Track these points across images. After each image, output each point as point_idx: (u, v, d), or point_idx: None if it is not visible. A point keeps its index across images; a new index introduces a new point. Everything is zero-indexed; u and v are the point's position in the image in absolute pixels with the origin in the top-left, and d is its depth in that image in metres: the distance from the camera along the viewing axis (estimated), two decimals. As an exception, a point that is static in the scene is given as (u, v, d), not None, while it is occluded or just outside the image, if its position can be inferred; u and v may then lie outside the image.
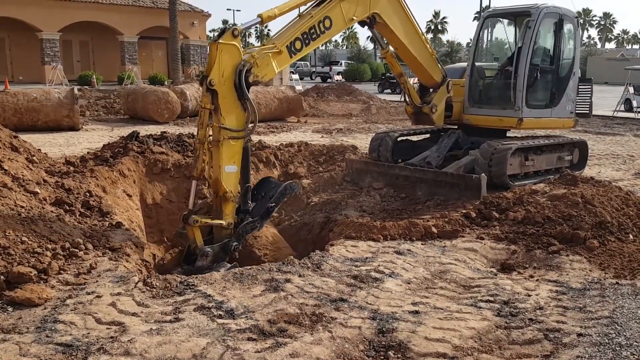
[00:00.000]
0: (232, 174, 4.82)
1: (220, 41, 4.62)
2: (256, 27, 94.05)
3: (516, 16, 8.16)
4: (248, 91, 4.76)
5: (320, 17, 5.51)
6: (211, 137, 4.76)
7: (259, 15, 5.07)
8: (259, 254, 5.61)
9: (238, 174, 4.89)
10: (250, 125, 4.86)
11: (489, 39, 9.11)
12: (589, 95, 8.38)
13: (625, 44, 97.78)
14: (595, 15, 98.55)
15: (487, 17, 8.44)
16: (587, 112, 8.47)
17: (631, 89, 21.15)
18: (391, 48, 7.23)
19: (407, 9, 6.76)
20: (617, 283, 4.05)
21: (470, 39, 8.61)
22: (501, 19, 8.64)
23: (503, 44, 8.90)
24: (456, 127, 8.28)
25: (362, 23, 6.49)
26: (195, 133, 5.45)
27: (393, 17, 6.59)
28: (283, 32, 5.35)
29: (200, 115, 4.74)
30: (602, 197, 5.62)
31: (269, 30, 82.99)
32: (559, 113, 7.97)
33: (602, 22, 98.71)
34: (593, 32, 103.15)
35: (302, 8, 5.56)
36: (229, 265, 4.87)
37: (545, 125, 8.16)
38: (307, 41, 5.41)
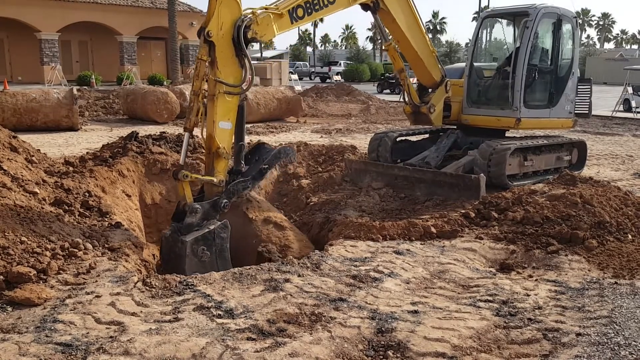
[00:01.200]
0: (225, 131, 4.78)
1: None
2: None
3: (514, 16, 8.18)
4: (247, 47, 4.75)
5: None
6: (207, 91, 4.73)
7: None
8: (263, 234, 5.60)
9: (232, 131, 4.87)
10: (246, 82, 4.86)
11: (488, 39, 9.13)
12: (588, 95, 8.39)
13: (624, 44, 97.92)
14: (594, 16, 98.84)
15: (485, 18, 8.45)
16: (587, 112, 8.47)
17: (630, 89, 21.16)
18: (394, 43, 7.25)
19: (411, 1, 6.79)
20: (615, 283, 4.05)
21: (469, 40, 8.62)
22: (499, 19, 8.65)
23: (502, 44, 8.92)
24: (455, 127, 8.29)
25: (365, 7, 6.52)
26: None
27: (396, 5, 6.62)
28: None
29: (196, 67, 4.72)
30: (601, 197, 5.64)
31: None
32: (558, 113, 7.99)
33: (601, 22, 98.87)
34: (592, 32, 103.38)
35: None
36: (219, 222, 4.82)
37: (543, 125, 8.17)
38: (309, 10, 5.42)
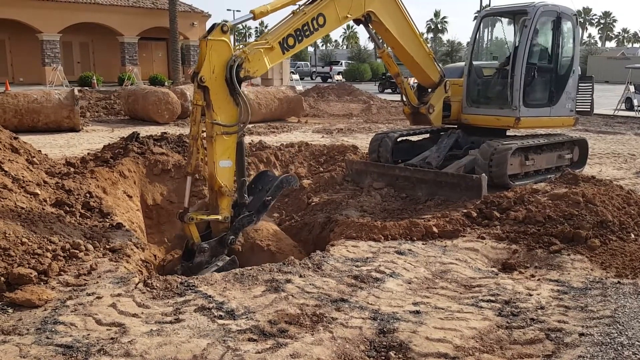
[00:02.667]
0: (226, 169, 4.85)
1: (209, 38, 4.65)
2: (257, 27, 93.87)
3: (513, 15, 8.15)
4: (240, 86, 4.79)
5: (314, 15, 5.51)
6: (204, 134, 4.80)
7: (252, 12, 5.09)
8: (262, 245, 5.62)
9: (232, 168, 4.93)
10: (243, 121, 4.88)
11: (489, 38, 9.11)
12: (590, 93, 8.35)
13: (625, 43, 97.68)
14: (595, 14, 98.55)
15: (484, 17, 8.42)
16: (589, 110, 8.44)
17: (632, 88, 21.10)
18: (388, 48, 7.22)
19: (403, 7, 6.74)
20: (618, 282, 4.03)
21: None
22: (499, 18, 8.62)
23: (502, 43, 8.90)
24: (456, 127, 8.27)
25: (357, 21, 6.48)
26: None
27: (388, 16, 6.57)
28: (276, 29, 5.36)
29: (192, 112, 4.78)
30: (603, 196, 5.61)
31: (269, 30, 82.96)
32: (559, 111, 7.95)
33: (602, 21, 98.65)
34: (593, 31, 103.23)
35: (297, 5, 5.57)
36: (227, 258, 4.91)
37: (544, 124, 8.14)
38: (300, 38, 5.41)
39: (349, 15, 6.02)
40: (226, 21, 4.79)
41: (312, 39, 5.59)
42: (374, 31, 6.86)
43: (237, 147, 4.94)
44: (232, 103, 4.80)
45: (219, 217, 4.90)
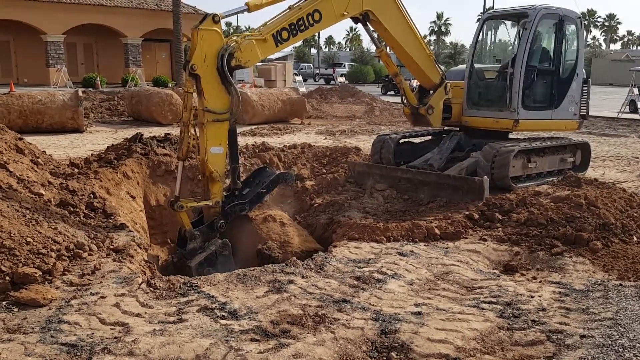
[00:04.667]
0: (217, 155, 4.97)
1: (200, 27, 4.73)
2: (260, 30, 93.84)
3: (515, 17, 8.15)
4: (231, 75, 4.86)
5: (310, 10, 5.55)
6: (196, 120, 4.91)
7: (246, 4, 5.15)
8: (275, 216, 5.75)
9: (224, 155, 5.05)
10: (234, 109, 4.97)
11: (492, 40, 9.11)
12: (586, 96, 8.25)
13: (630, 45, 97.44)
14: (599, 17, 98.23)
15: (486, 19, 8.43)
16: (584, 114, 8.31)
17: (636, 91, 21.04)
18: (387, 48, 7.24)
19: (402, 8, 6.74)
20: (620, 285, 4.04)
21: (475, 41, 8.59)
22: (502, 21, 8.63)
23: (505, 46, 8.90)
24: (458, 129, 8.28)
25: (355, 20, 6.49)
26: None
27: (387, 15, 6.56)
28: (271, 22, 5.41)
29: (183, 99, 4.89)
30: (605, 198, 5.61)
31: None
32: (561, 114, 7.94)
33: (607, 24, 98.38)
34: (597, 34, 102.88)
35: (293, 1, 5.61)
36: (219, 241, 5.07)
37: (545, 127, 8.12)
38: (294, 32, 5.46)
39: (345, 13, 6.04)
40: (218, 13, 4.86)
41: (307, 33, 5.63)
42: (373, 31, 6.86)
43: (229, 134, 5.06)
44: (223, 91, 4.90)
45: (210, 202, 5.02)
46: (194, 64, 4.70)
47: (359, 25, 6.60)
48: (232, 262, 5.14)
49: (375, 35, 7.03)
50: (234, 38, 5.07)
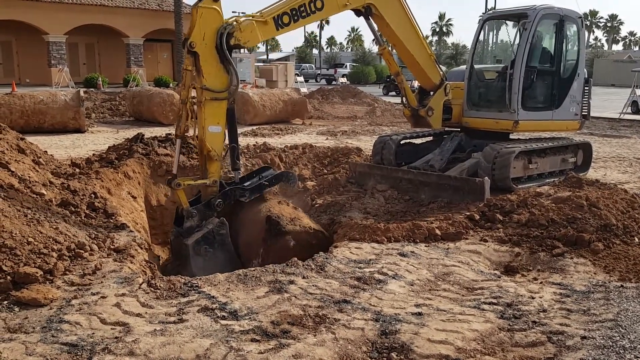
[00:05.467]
0: (215, 134, 5.00)
1: (200, 5, 4.76)
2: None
3: (517, 18, 8.15)
4: (230, 55, 4.87)
5: None
6: (195, 99, 4.96)
7: None
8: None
9: (222, 134, 5.10)
10: (233, 88, 4.99)
11: (494, 41, 9.10)
12: (587, 96, 8.22)
13: (632, 46, 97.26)
14: (601, 17, 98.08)
15: (486, 20, 8.42)
16: (586, 114, 8.29)
17: (638, 91, 21.01)
18: (389, 46, 7.24)
19: (405, 5, 6.75)
20: (621, 286, 4.03)
21: (476, 41, 8.59)
22: (504, 21, 8.62)
23: (506, 47, 8.89)
24: (459, 130, 8.27)
25: (357, 13, 6.50)
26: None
27: (389, 11, 6.58)
28: (273, 5, 5.44)
29: (182, 77, 4.95)
30: (607, 199, 5.60)
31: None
32: (562, 115, 7.92)
33: (609, 24, 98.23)
34: (600, 34, 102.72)
35: None
36: (217, 220, 5.10)
37: (545, 127, 8.11)
38: (295, 17, 5.47)
39: (348, 4, 6.06)
40: None
41: (308, 20, 5.65)
42: (376, 27, 6.87)
43: (228, 113, 5.08)
44: (222, 70, 4.92)
45: (207, 181, 5.06)
46: (193, 41, 4.73)
47: (360, 25, 6.68)
48: (229, 242, 5.18)
49: (378, 33, 7.04)
50: (234, 17, 5.08)
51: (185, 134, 5.10)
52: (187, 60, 4.82)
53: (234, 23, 4.96)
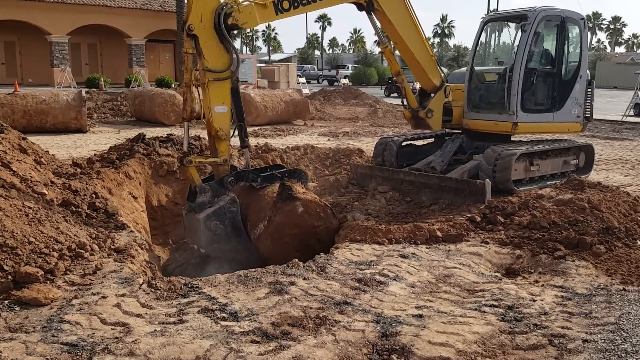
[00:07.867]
0: (221, 114, 5.10)
1: None
2: (264, 30, 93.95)
3: (519, 19, 8.13)
4: (229, 35, 4.92)
5: None
6: (198, 81, 5.04)
7: None
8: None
9: (229, 113, 5.19)
10: (233, 67, 5.06)
11: (495, 43, 9.09)
12: (590, 98, 8.19)
13: (635, 48, 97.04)
14: (604, 19, 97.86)
15: (487, 22, 8.41)
16: (588, 116, 8.26)
17: (641, 94, 20.99)
18: (391, 45, 7.25)
19: (408, 3, 6.75)
20: (623, 289, 4.02)
21: (478, 43, 8.58)
22: (505, 23, 8.61)
23: (507, 48, 8.88)
24: (460, 131, 8.26)
25: (359, 7, 6.51)
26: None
27: (392, 7, 6.60)
28: None
29: (184, 60, 5.06)
30: (609, 202, 5.58)
31: (276, 33, 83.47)
32: (563, 117, 7.90)
33: (612, 26, 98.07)
34: (602, 36, 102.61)
35: None
36: (228, 197, 5.25)
37: (546, 129, 8.08)
38: (295, 4, 5.52)
39: None
40: None
41: (308, 8, 5.68)
42: (378, 24, 6.86)
43: (232, 92, 5.17)
44: (222, 50, 4.99)
45: (217, 159, 5.20)
46: (191, 24, 4.80)
47: (362, 27, 6.68)
48: (239, 219, 5.30)
49: (380, 30, 7.05)
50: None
51: (192, 116, 5.29)
52: (187, 44, 4.92)
53: (233, 4, 5.00)
